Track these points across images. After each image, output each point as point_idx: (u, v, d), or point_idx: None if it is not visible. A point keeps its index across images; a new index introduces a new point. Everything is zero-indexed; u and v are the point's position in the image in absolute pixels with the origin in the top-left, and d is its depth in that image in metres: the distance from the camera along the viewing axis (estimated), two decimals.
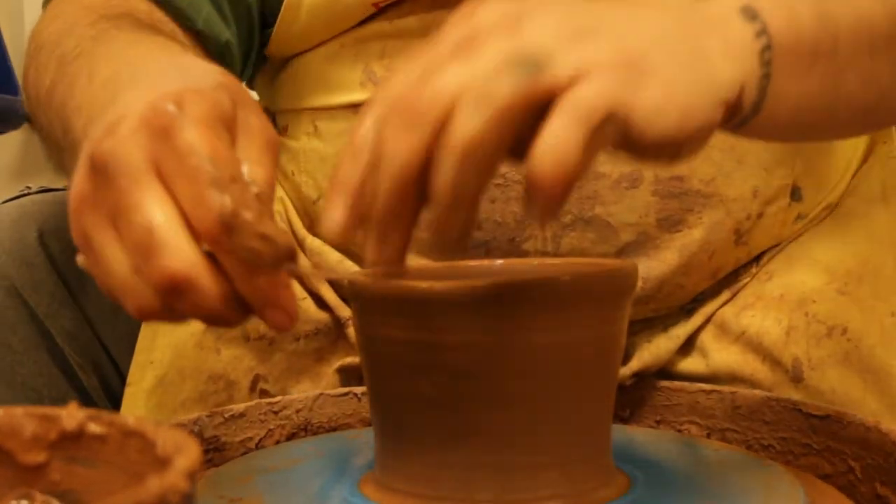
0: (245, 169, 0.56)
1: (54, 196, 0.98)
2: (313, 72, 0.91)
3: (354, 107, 0.88)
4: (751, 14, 0.58)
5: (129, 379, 0.89)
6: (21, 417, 0.51)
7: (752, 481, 0.66)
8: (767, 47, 0.58)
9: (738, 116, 0.58)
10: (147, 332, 0.89)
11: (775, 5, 0.59)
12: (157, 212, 0.53)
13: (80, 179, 0.56)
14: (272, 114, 0.97)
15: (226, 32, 0.88)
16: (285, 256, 0.54)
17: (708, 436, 0.80)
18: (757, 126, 0.60)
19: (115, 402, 0.93)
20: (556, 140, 0.50)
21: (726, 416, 0.79)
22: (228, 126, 0.57)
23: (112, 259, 0.55)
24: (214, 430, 0.78)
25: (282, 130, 0.94)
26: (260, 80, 0.99)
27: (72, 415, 0.51)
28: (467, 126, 0.50)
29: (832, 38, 0.61)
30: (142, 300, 0.55)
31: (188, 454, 0.45)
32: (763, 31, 0.58)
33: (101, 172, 0.55)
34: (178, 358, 0.88)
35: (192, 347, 0.89)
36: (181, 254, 0.53)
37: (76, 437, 0.51)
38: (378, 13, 0.87)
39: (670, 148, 0.53)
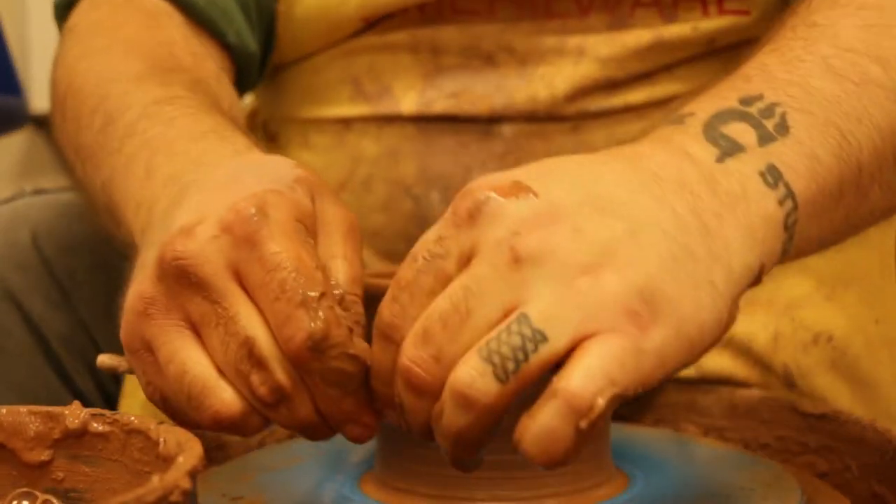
0: (329, 265, 0.55)
1: (49, 198, 0.97)
2: (304, 83, 0.90)
3: (343, 121, 0.87)
4: (774, 176, 0.54)
5: (124, 390, 0.88)
6: (24, 416, 0.51)
7: (750, 480, 0.66)
8: (793, 210, 0.54)
9: (756, 283, 0.54)
10: None
11: (797, 155, 0.55)
12: (255, 323, 0.53)
13: (146, 282, 0.55)
14: (264, 120, 0.96)
15: (252, 43, 0.86)
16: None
17: (705, 434, 0.80)
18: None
19: (110, 405, 0.93)
20: (548, 432, 0.47)
21: (724, 414, 0.79)
22: (310, 225, 0.56)
23: (193, 362, 0.54)
24: None
25: (273, 137, 0.94)
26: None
27: (75, 413, 0.51)
28: (453, 423, 0.50)
29: (856, 167, 0.57)
30: (226, 406, 0.54)
31: (190, 452, 0.46)
32: (787, 196, 0.54)
33: (178, 278, 0.53)
34: None
35: None
36: (285, 366, 0.52)
37: (79, 436, 0.51)
38: (368, 27, 0.86)
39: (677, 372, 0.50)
